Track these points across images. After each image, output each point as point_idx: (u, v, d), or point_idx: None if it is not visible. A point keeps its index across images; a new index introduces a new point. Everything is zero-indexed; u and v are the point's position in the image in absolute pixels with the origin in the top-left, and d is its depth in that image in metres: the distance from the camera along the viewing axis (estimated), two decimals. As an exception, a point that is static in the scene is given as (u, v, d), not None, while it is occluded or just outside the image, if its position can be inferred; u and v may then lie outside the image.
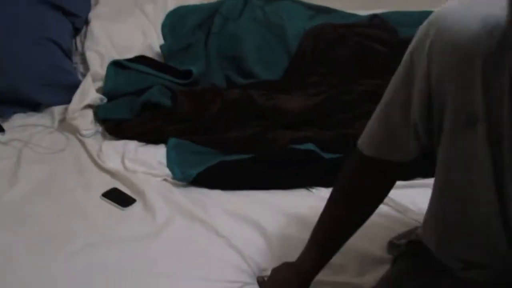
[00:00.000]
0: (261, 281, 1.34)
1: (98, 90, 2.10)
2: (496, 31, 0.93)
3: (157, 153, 1.81)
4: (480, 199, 1.05)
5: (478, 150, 1.00)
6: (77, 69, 2.25)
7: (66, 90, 2.09)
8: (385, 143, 1.14)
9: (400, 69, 1.08)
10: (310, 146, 1.76)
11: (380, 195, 1.27)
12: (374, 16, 2.44)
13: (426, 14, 2.72)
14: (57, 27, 2.25)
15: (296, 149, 1.75)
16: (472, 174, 1.03)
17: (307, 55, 2.20)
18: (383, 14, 2.49)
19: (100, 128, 1.99)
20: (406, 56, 1.07)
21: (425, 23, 1.03)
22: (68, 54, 2.25)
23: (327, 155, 1.73)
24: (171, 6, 2.43)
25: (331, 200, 1.27)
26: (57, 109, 2.06)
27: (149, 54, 2.27)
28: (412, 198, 1.54)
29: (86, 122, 1.95)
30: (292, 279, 1.26)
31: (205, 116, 1.95)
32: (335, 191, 1.28)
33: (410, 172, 1.61)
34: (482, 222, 1.07)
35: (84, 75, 2.18)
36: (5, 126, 1.98)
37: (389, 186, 1.26)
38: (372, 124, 1.16)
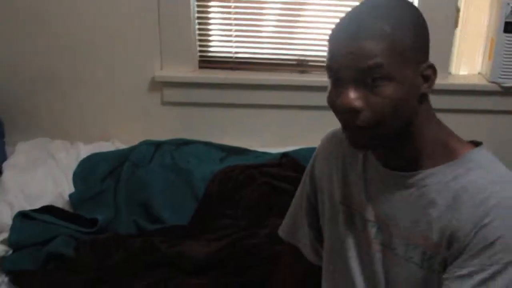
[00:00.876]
0: None
1: (3, 242, 2.07)
2: None
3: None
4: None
5: (344, 237, 1.22)
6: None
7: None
8: (292, 227, 1.45)
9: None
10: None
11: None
12: (284, 154, 2.49)
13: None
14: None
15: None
16: (347, 263, 1.22)
17: (214, 198, 2.22)
18: (295, 150, 2.55)
19: (5, 279, 1.93)
20: None
21: None
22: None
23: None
24: (84, 154, 2.45)
25: None
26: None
27: (60, 202, 2.26)
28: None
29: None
30: None
31: (107, 266, 1.92)
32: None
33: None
34: None
35: (-7, 227, 2.15)
36: None
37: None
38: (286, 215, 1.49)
